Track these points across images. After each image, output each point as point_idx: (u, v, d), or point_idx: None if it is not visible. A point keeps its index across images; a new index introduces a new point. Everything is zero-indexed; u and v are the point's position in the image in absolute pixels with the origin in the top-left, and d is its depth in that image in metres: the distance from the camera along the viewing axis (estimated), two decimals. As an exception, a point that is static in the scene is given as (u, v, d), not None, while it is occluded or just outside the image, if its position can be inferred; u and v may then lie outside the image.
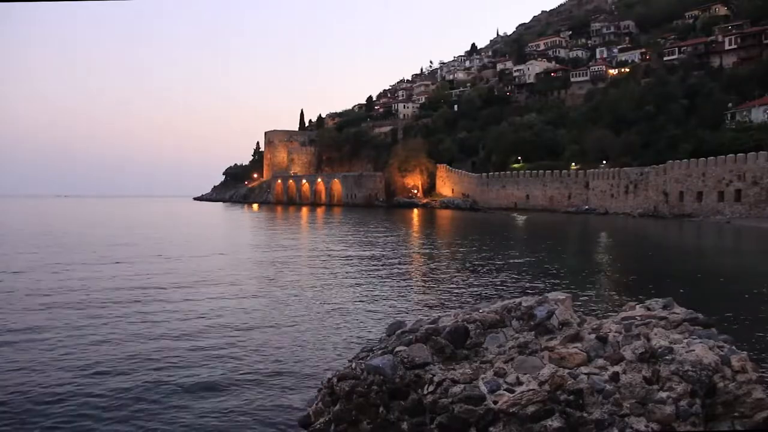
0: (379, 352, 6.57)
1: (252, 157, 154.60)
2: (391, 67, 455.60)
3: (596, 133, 76.38)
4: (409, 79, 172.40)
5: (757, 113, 64.42)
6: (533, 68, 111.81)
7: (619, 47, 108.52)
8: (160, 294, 15.92)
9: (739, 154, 54.08)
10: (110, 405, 7.61)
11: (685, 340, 5.90)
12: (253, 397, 7.92)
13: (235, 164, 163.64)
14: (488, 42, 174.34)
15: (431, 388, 5.94)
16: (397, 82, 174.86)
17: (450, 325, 6.51)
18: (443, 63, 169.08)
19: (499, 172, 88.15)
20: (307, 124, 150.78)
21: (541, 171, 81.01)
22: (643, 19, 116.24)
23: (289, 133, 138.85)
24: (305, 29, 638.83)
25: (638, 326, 6.24)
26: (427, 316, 8.93)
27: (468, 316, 6.64)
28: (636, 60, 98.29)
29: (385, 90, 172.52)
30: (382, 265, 22.57)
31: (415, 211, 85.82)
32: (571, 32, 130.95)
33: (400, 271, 21.05)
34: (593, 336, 6.16)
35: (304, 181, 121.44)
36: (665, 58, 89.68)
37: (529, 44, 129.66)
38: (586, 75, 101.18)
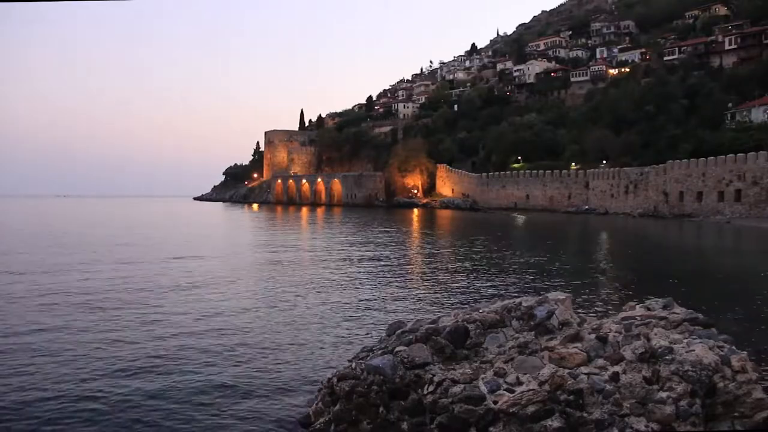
0: (379, 352, 6.57)
1: (252, 157, 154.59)
2: (391, 67, 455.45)
3: (596, 133, 76.36)
4: (409, 79, 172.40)
5: (757, 113, 64.41)
6: (533, 68, 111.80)
7: (619, 47, 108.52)
8: (159, 294, 15.92)
9: (739, 154, 54.07)
10: (109, 405, 7.60)
11: (685, 340, 5.90)
12: (254, 396, 7.92)
13: (235, 164, 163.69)
14: (488, 42, 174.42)
15: (431, 388, 5.94)
16: (397, 82, 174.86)
17: (450, 325, 6.51)
18: (443, 63, 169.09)
19: (499, 172, 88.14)
20: (307, 124, 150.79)
21: (541, 171, 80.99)
22: (643, 19, 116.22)
23: (289, 133, 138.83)
24: (305, 29, 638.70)
25: (638, 326, 6.25)
26: (427, 316, 8.93)
27: (468, 316, 6.64)
28: (636, 60, 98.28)
29: (385, 90, 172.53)
30: (382, 266, 22.56)
31: (415, 211, 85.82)
32: (571, 32, 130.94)
33: (400, 271, 21.05)
34: (593, 336, 6.16)
35: (304, 181, 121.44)
36: (665, 58, 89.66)
37: (529, 44, 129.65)
38: (586, 75, 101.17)
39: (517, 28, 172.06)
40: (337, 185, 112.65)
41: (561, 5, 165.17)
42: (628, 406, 5.45)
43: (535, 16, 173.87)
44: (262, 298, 15.54)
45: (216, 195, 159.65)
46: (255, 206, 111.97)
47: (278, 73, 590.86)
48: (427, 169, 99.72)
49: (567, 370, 5.70)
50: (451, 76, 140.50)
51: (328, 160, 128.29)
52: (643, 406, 5.44)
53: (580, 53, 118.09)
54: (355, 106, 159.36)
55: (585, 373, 5.66)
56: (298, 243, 34.45)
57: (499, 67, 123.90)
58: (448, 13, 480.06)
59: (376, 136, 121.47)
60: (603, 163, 73.96)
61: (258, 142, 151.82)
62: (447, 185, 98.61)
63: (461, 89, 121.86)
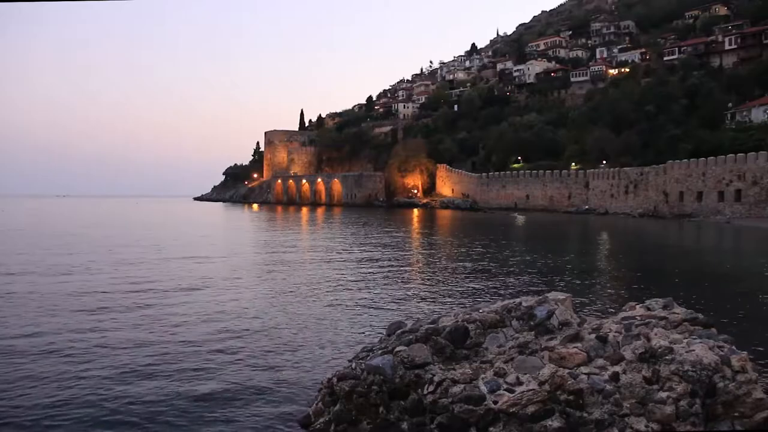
0: (379, 352, 6.57)
1: (252, 157, 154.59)
2: (391, 67, 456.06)
3: (596, 133, 76.38)
4: (409, 79, 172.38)
5: (757, 113, 64.42)
6: (533, 68, 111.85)
7: (619, 47, 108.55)
8: (158, 294, 15.91)
9: (739, 154, 54.08)
10: (109, 406, 7.60)
11: (685, 340, 5.90)
12: (253, 396, 7.91)
13: (235, 164, 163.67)
14: (488, 42, 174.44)
15: (431, 388, 5.94)
16: (397, 82, 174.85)
17: (450, 325, 6.51)
18: (443, 63, 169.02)
19: (499, 172, 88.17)
20: (307, 124, 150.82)
21: (541, 171, 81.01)
22: (643, 19, 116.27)
23: (289, 133, 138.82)
24: (305, 29, 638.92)
25: (638, 326, 6.24)
26: (427, 316, 8.93)
27: (468, 316, 6.64)
28: (636, 60, 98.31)
29: (385, 90, 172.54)
30: (381, 266, 22.56)
31: (415, 211, 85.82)
32: (571, 32, 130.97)
33: (400, 272, 21.05)
34: (593, 336, 6.16)
35: (304, 181, 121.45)
36: (665, 58, 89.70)
37: (529, 44, 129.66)
38: (586, 75, 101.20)
39: (517, 28, 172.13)
40: (337, 185, 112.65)
41: (561, 5, 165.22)
42: (628, 406, 5.45)
43: (535, 16, 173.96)
44: (262, 298, 15.54)
45: (216, 195, 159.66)
46: (255, 206, 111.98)
47: (278, 73, 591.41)
48: (427, 169, 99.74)
49: (567, 370, 5.70)
50: (451, 76, 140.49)
51: (328, 160, 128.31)
52: (643, 406, 5.44)
53: (580, 53, 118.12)
54: (355, 106, 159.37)
55: (585, 373, 5.66)
56: (298, 243, 34.45)
57: (499, 67, 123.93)
58: (448, 13, 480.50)
59: (376, 136, 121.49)
60: (603, 163, 73.97)
61: (258, 142, 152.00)
62: (447, 185, 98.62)
63: (461, 89, 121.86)
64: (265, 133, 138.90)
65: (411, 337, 6.49)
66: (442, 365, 6.17)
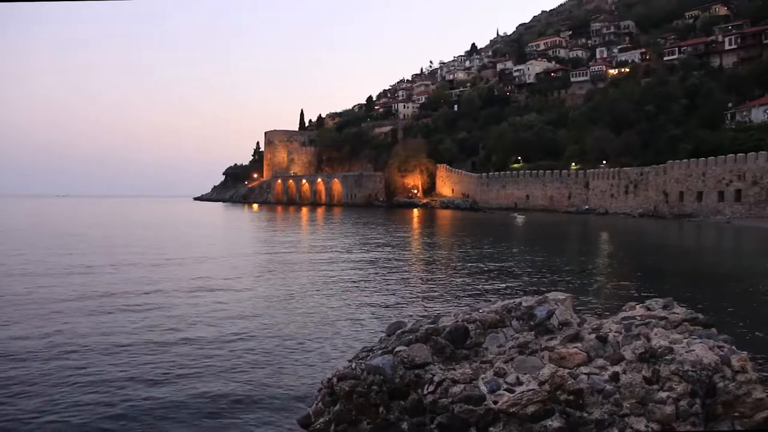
0: (379, 352, 6.56)
1: (252, 157, 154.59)
2: (391, 67, 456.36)
3: (596, 133, 76.38)
4: (409, 79, 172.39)
5: (757, 113, 64.42)
6: (533, 68, 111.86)
7: (619, 47, 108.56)
8: (158, 294, 15.91)
9: (739, 154, 54.08)
10: (107, 406, 7.60)
11: (685, 340, 5.90)
12: (253, 396, 7.92)
13: (235, 164, 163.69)
14: (488, 42, 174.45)
15: (431, 388, 5.94)
16: (397, 82, 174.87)
17: (450, 325, 6.51)
18: (443, 63, 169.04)
19: (499, 172, 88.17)
20: (307, 124, 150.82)
21: (541, 171, 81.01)
22: (643, 19, 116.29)
23: (289, 133, 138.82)
24: (305, 29, 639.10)
25: (638, 326, 6.24)
26: (427, 316, 8.93)
27: (468, 316, 6.64)
28: (636, 60, 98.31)
29: (385, 90, 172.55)
30: (381, 266, 22.57)
31: (415, 211, 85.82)
32: (571, 32, 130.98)
33: (400, 272, 21.05)
34: (593, 336, 6.16)
35: (304, 181, 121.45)
36: (665, 58, 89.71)
37: (529, 44, 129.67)
38: (586, 75, 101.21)
39: (517, 28, 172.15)
40: (337, 185, 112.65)
41: (561, 5, 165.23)
42: (628, 406, 5.45)
43: (535, 16, 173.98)
44: (262, 298, 15.54)
45: (216, 195, 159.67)
46: (255, 206, 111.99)
47: (278, 73, 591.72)
48: (427, 169, 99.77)
49: (567, 370, 5.70)
50: (451, 76, 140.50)
51: (328, 160, 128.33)
52: (643, 406, 5.44)
53: (580, 53, 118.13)
54: (355, 106, 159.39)
55: (585, 373, 5.66)
56: (297, 243, 34.45)
57: (499, 67, 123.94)
58: (448, 13, 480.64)
59: (376, 136, 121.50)
60: (603, 163, 73.97)
61: (258, 143, 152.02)
62: (447, 185, 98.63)
63: (461, 89, 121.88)
64: (265, 133, 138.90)
65: (411, 337, 6.49)
66: (442, 365, 6.17)
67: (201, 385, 8.32)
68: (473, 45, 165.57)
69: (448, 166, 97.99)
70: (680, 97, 73.71)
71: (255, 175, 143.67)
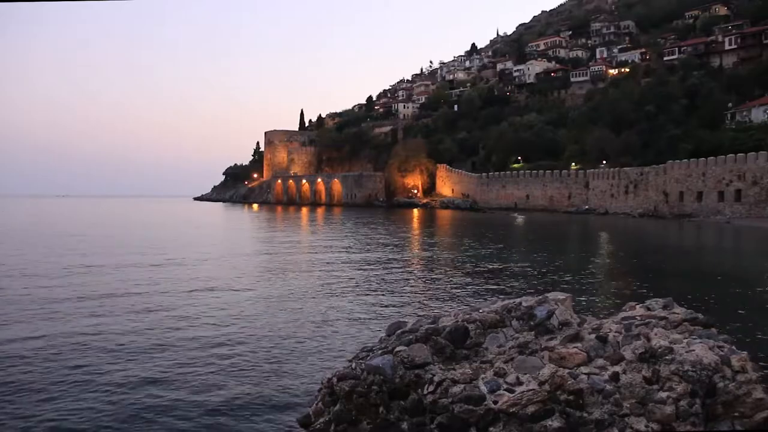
0: (379, 352, 6.56)
1: (252, 157, 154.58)
2: (391, 67, 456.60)
3: (596, 133, 76.39)
4: (409, 79, 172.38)
5: (757, 113, 64.43)
6: (533, 68, 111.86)
7: (619, 47, 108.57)
8: (159, 295, 15.91)
9: (739, 154, 54.08)
10: (107, 405, 7.61)
11: (685, 340, 5.90)
12: (253, 396, 7.92)
13: (235, 164, 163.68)
14: (488, 42, 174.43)
15: (431, 388, 5.94)
16: (397, 82, 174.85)
17: (450, 325, 6.51)
18: (443, 63, 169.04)
19: (499, 172, 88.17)
20: (307, 124, 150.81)
21: (541, 171, 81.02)
22: (643, 19, 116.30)
23: (289, 133, 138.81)
24: (305, 29, 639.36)
25: (638, 326, 6.24)
26: (427, 316, 8.93)
27: (468, 316, 6.64)
28: (636, 60, 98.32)
29: (385, 90, 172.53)
30: (381, 266, 22.57)
31: (415, 211, 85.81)
32: (571, 32, 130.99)
33: (400, 272, 21.05)
34: (593, 336, 6.16)
35: (304, 181, 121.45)
36: (665, 58, 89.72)
37: (529, 44, 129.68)
38: (586, 75, 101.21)
39: (517, 28, 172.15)
40: (337, 185, 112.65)
41: (561, 5, 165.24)
42: (628, 406, 5.45)
43: (535, 16, 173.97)
44: (262, 298, 15.54)
45: (216, 195, 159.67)
46: (255, 206, 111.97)
47: (278, 73, 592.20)
48: (427, 169, 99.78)
49: (567, 370, 5.70)
50: (451, 76, 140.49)
51: (328, 160, 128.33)
52: (643, 406, 5.44)
53: (580, 53, 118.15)
54: (355, 106, 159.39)
55: (585, 373, 5.66)
56: (297, 243, 34.46)
57: (499, 67, 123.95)
58: (448, 13, 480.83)
59: (376, 136, 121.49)
60: (603, 163, 73.98)
61: (258, 143, 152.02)
62: (447, 185, 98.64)
63: (461, 89, 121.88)
64: (265, 133, 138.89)
65: (411, 337, 6.49)
66: (442, 365, 6.17)
67: (201, 385, 8.32)
68: (473, 45, 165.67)
69: (448, 166, 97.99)
70: (680, 97, 73.72)
71: (255, 175, 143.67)
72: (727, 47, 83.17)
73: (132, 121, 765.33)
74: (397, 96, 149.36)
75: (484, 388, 5.76)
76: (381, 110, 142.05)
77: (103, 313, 13.31)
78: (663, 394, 5.42)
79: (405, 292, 16.49)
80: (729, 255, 28.89)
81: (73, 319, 12.58)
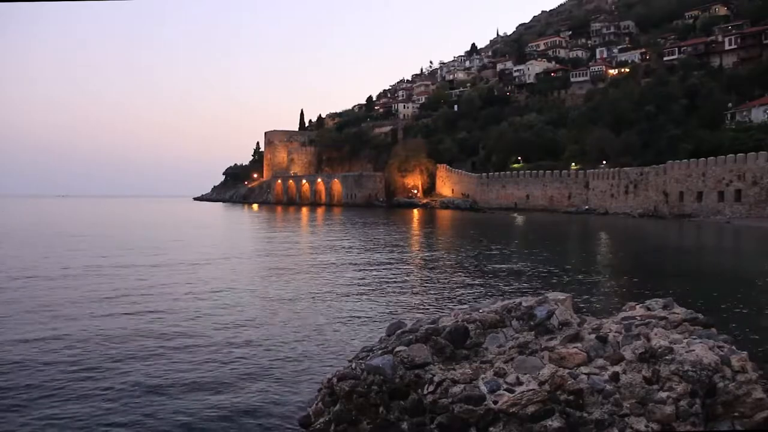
0: (379, 352, 6.57)
1: (252, 157, 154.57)
2: (391, 67, 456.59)
3: (596, 133, 76.36)
4: (409, 79, 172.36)
5: (757, 113, 64.43)
6: (533, 68, 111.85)
7: (619, 47, 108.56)
8: (159, 295, 15.91)
9: (739, 154, 54.06)
10: (109, 405, 7.60)
11: (685, 340, 5.90)
12: (253, 397, 7.92)
13: (235, 164, 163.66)
14: (488, 42, 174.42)
15: (431, 388, 5.94)
16: (397, 82, 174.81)
17: (450, 325, 6.51)
18: (443, 63, 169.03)
19: (499, 172, 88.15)
20: (307, 124, 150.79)
21: (541, 171, 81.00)
22: (643, 19, 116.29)
23: (289, 133, 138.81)
24: (305, 29, 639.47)
25: (638, 326, 6.25)
26: (427, 316, 8.93)
27: (468, 316, 6.64)
28: (636, 60, 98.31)
29: (385, 90, 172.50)
30: (381, 266, 22.56)
31: (415, 211, 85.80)
32: (571, 32, 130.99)
33: (400, 272, 21.05)
34: (593, 336, 6.16)
35: (304, 181, 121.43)
36: (665, 58, 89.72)
37: (529, 44, 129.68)
38: (586, 75, 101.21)
39: (517, 28, 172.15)
40: (337, 185, 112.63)
41: (561, 5, 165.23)
42: (628, 406, 5.45)
43: (535, 16, 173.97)
44: (262, 299, 15.54)
45: (216, 195, 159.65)
46: (255, 206, 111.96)
47: (278, 73, 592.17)
48: (427, 169, 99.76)
49: (567, 370, 5.70)
50: (451, 76, 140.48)
51: (328, 160, 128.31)
52: (643, 406, 5.44)
53: (580, 53, 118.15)
54: (355, 106, 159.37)
55: (585, 373, 5.66)
56: (297, 244, 34.46)
57: (499, 67, 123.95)
58: (448, 13, 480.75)
59: (376, 136, 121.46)
60: (603, 163, 73.96)
61: (258, 143, 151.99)
62: (447, 185, 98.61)
63: (461, 89, 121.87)
64: (265, 133, 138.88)
65: (411, 337, 6.49)
66: (442, 365, 6.17)
67: (200, 385, 8.32)
68: (473, 45, 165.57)
69: (448, 166, 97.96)
70: (680, 97, 73.68)
71: (255, 176, 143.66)
72: (727, 47, 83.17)
73: (132, 121, 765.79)
74: (397, 96, 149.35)
75: (484, 388, 5.76)
76: (381, 110, 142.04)
77: (103, 314, 13.30)
78: (663, 394, 5.42)
79: (405, 293, 16.49)
80: (729, 255, 28.89)
81: (72, 322, 12.57)
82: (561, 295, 6.90)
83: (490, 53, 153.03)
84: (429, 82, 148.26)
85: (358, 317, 13.09)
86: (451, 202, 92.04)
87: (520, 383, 5.72)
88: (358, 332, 11.60)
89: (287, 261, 24.48)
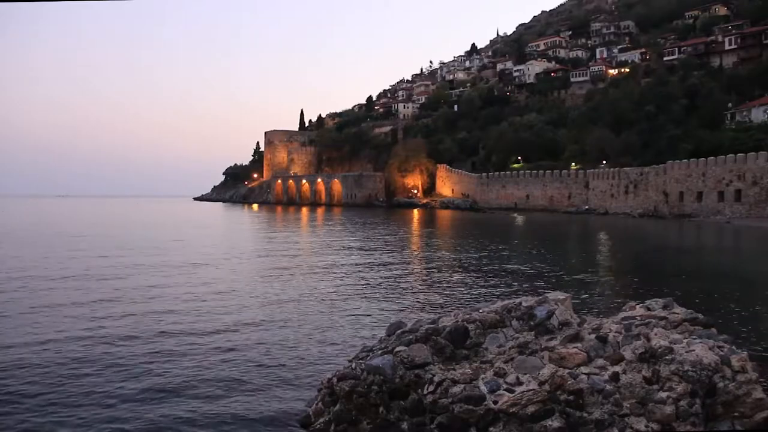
0: (379, 352, 6.57)
1: (252, 157, 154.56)
2: (391, 67, 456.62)
3: (596, 133, 76.35)
4: (409, 79, 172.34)
5: (757, 113, 64.42)
6: (533, 68, 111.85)
7: (619, 47, 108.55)
8: (159, 293, 15.91)
9: (739, 154, 54.06)
10: (109, 406, 7.60)
11: (685, 340, 5.91)
12: (253, 397, 7.92)
13: (235, 164, 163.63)
14: (488, 42, 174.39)
15: (431, 388, 5.94)
16: (397, 82, 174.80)
17: (450, 325, 6.51)
18: (443, 63, 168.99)
19: (499, 172, 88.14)
20: (307, 124, 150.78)
21: (541, 171, 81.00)
22: (643, 19, 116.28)
23: (289, 133, 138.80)
24: (305, 29, 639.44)
25: (638, 326, 6.25)
26: (427, 316, 8.93)
27: (468, 316, 6.64)
28: (636, 60, 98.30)
29: (385, 90, 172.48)
30: (381, 266, 22.56)
31: (415, 211, 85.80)
32: (571, 32, 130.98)
33: (400, 272, 21.05)
34: (593, 336, 6.16)
35: (304, 181, 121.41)
36: (665, 58, 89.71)
37: (529, 44, 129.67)
38: (586, 75, 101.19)
39: (517, 28, 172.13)
40: (337, 185, 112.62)
41: (561, 5, 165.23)
42: (628, 406, 5.45)
43: (535, 17, 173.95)
44: (262, 299, 15.54)
45: (216, 195, 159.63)
46: (255, 206, 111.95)
47: (278, 73, 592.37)
48: (427, 169, 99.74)
49: (567, 370, 5.70)
50: (451, 76, 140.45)
51: (328, 160, 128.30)
52: (643, 406, 5.44)
53: (580, 53, 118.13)
54: (355, 106, 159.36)
55: (585, 373, 5.66)
56: (297, 244, 34.46)
57: (499, 67, 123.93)
58: (448, 13, 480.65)
59: (376, 136, 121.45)
60: (603, 163, 73.96)
61: (258, 143, 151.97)
62: (447, 185, 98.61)
63: (461, 89, 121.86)
64: (265, 133, 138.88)
65: (411, 337, 6.49)
66: (442, 365, 6.17)
67: (200, 385, 8.32)
68: (473, 45, 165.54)
69: (448, 166, 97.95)
70: (680, 97, 73.66)
71: (255, 176, 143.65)
72: (727, 47, 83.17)
73: (132, 121, 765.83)
74: (397, 96, 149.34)
75: (484, 388, 5.76)
76: (381, 110, 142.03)
77: (103, 316, 13.29)
78: (663, 394, 5.42)
79: (405, 293, 16.49)
80: (729, 255, 28.89)
81: (72, 323, 12.57)
82: (561, 295, 6.90)
83: (490, 53, 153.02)
84: (429, 82, 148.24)
85: (358, 317, 13.09)
86: (451, 202, 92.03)
87: (520, 383, 5.72)
88: (358, 332, 11.60)
89: (287, 261, 24.47)
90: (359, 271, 21.11)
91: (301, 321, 12.67)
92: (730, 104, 69.68)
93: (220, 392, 8.07)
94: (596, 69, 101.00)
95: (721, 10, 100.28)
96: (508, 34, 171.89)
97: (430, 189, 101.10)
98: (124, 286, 17.20)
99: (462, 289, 16.95)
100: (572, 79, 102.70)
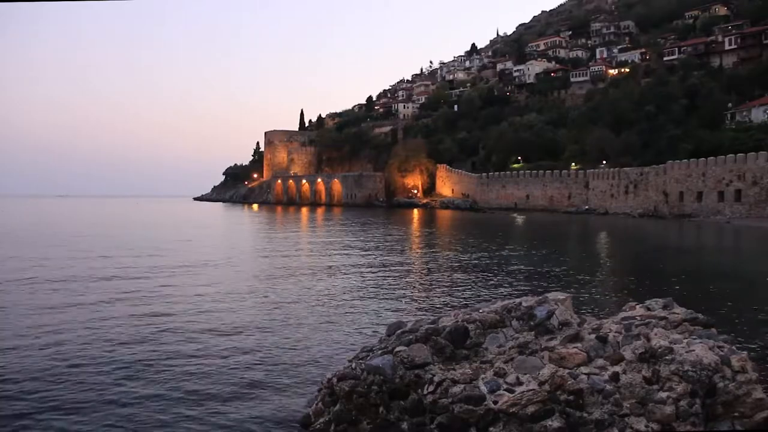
0: (379, 352, 6.57)
1: (252, 157, 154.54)
2: (391, 67, 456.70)
3: (596, 133, 76.36)
4: (409, 79, 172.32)
5: (757, 113, 64.42)
6: (533, 68, 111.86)
7: (619, 47, 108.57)
8: (159, 294, 15.91)
9: (739, 154, 54.07)
10: (109, 403, 7.60)
11: (685, 340, 5.90)
12: (253, 397, 7.92)
13: (235, 164, 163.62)
14: (488, 42, 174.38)
15: (431, 388, 5.94)
16: (397, 82, 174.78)
17: (450, 325, 6.51)
18: (443, 63, 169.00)
19: (499, 172, 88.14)
20: (307, 124, 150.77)
21: (541, 171, 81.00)
22: (643, 19, 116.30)
23: (289, 133, 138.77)
24: (305, 29, 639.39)
25: (638, 326, 6.25)
26: (427, 316, 8.94)
27: (468, 316, 6.64)
28: (636, 60, 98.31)
29: (385, 90, 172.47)
30: (381, 266, 22.56)
31: (415, 211, 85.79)
32: (571, 32, 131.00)
33: (400, 272, 21.05)
34: (593, 336, 6.16)
35: (304, 181, 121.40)
36: (665, 58, 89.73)
37: (529, 44, 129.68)
38: (586, 75, 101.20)
39: (517, 28, 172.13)
40: (337, 185, 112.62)
41: (561, 5, 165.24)
42: (628, 406, 5.45)
43: (535, 16, 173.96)
44: (262, 299, 15.54)
45: (216, 195, 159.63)
46: (255, 206, 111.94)
47: (278, 73, 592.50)
48: (427, 169, 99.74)
49: (567, 370, 5.70)
50: (451, 76, 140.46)
51: (328, 160, 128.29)
52: (643, 406, 5.44)
53: (580, 53, 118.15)
54: (355, 106, 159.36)
55: (585, 373, 5.66)
56: (297, 244, 34.46)
57: (499, 67, 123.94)
58: (448, 13, 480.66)
59: (376, 136, 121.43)
60: (603, 163, 73.96)
61: (258, 143, 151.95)
62: (447, 185, 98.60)
63: (461, 89, 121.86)
64: (265, 133, 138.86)
65: (411, 337, 6.49)
66: (442, 365, 6.17)
67: (200, 385, 8.32)
68: (473, 45, 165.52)
69: (448, 166, 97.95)
70: (680, 97, 73.66)
71: (255, 176, 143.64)
72: (727, 47, 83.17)
73: (132, 121, 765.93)
74: (397, 96, 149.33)
75: (484, 388, 5.76)
76: (381, 110, 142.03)
77: (103, 317, 13.28)
78: (663, 394, 5.42)
79: (405, 293, 16.49)
80: (729, 255, 28.89)
81: (71, 324, 12.56)
82: (561, 295, 6.90)
83: (490, 53, 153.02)
84: (429, 82, 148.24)
85: (358, 317, 13.09)
86: (451, 202, 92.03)
87: (520, 383, 5.72)
88: (358, 332, 11.60)
89: (287, 261, 24.47)
90: (359, 271, 21.10)
91: (301, 321, 12.67)
92: (730, 104, 69.68)
93: (219, 392, 8.07)
94: (596, 69, 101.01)
95: (721, 10, 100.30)
96: (508, 34, 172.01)
97: (430, 189, 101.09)
98: (124, 286, 17.20)
99: (462, 289, 16.95)
100: (572, 79, 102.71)
